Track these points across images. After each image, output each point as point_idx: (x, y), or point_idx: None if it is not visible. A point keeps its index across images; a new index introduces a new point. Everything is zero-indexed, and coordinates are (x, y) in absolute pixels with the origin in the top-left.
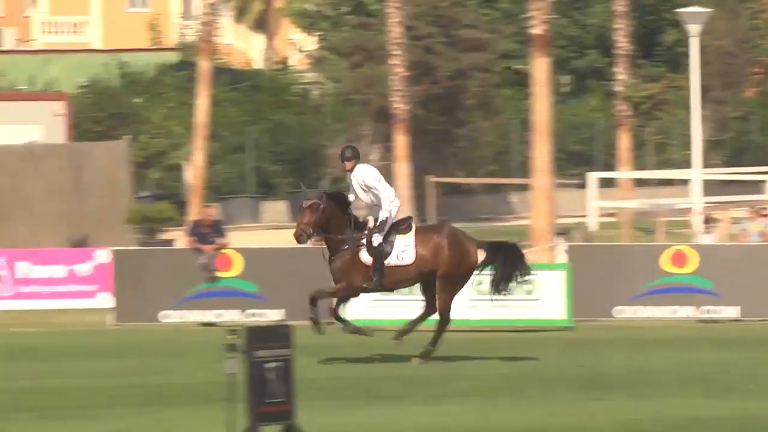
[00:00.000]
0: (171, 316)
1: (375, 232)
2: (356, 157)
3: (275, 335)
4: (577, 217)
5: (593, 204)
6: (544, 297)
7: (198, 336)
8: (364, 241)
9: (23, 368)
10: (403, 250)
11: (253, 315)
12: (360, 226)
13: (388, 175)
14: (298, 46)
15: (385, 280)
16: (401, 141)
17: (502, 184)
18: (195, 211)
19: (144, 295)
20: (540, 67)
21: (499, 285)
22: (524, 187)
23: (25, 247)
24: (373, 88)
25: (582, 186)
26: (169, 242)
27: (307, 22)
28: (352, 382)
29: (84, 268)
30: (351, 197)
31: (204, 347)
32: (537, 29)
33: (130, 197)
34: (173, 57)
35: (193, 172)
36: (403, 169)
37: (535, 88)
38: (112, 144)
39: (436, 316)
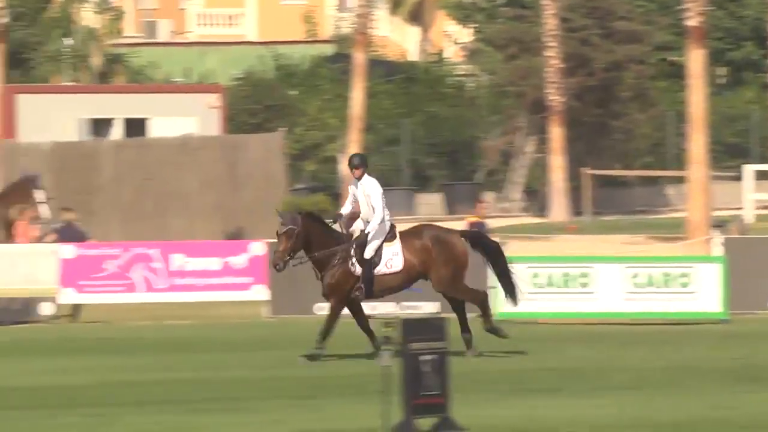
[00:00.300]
0: (326, 309)
1: (363, 244)
2: (365, 166)
3: (430, 328)
4: (732, 210)
5: (749, 196)
6: (700, 290)
7: (353, 328)
8: (353, 253)
9: (178, 360)
10: (391, 258)
11: (409, 308)
12: (346, 239)
13: (543, 167)
14: (454, 38)
15: (375, 288)
16: (557, 133)
17: (658, 176)
18: None
19: (299, 287)
20: (696, 59)
21: (513, 297)
22: (680, 180)
23: (179, 239)
24: (528, 80)
25: (738, 178)
26: None
27: (462, 14)
28: (507, 374)
29: (239, 261)
30: (347, 209)
31: (360, 340)
32: (693, 21)
33: (285, 189)
34: (328, 49)
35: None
36: (558, 161)
37: (691, 80)
38: (267, 136)
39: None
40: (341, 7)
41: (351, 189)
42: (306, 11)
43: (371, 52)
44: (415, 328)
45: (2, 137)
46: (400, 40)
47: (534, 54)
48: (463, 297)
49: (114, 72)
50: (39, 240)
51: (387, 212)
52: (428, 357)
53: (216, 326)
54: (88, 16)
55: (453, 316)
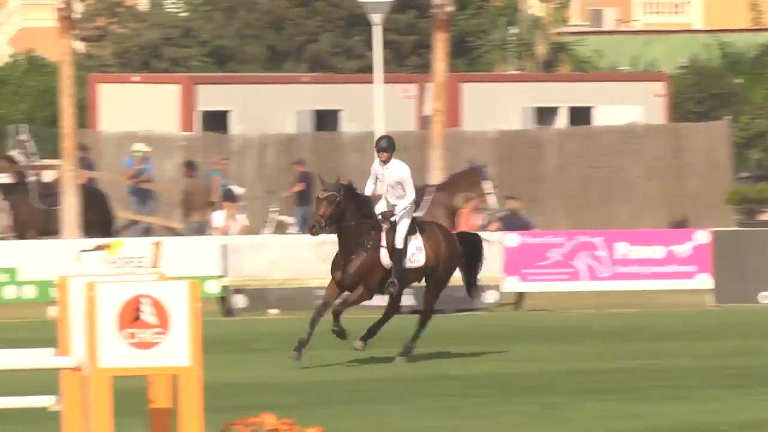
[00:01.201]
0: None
1: (390, 226)
2: (393, 149)
3: None
4: None
5: None
6: None
7: None
8: (383, 240)
9: (621, 348)
10: (415, 253)
11: None
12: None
13: None
14: None
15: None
16: None
17: None
18: None
19: (743, 275)
20: None
21: (470, 289)
22: None
23: (624, 227)
24: None
25: None
26: None
27: None
28: None
29: (683, 249)
30: (369, 189)
31: None
32: None
33: (730, 178)
34: None
35: None
36: None
37: None
38: (712, 125)
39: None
40: None
41: (374, 169)
42: None
43: None
44: None
45: (448, 126)
46: None
47: None
48: (436, 297)
49: (559, 60)
50: (482, 228)
51: (414, 194)
52: None
53: (659, 315)
54: (534, 5)
55: None
